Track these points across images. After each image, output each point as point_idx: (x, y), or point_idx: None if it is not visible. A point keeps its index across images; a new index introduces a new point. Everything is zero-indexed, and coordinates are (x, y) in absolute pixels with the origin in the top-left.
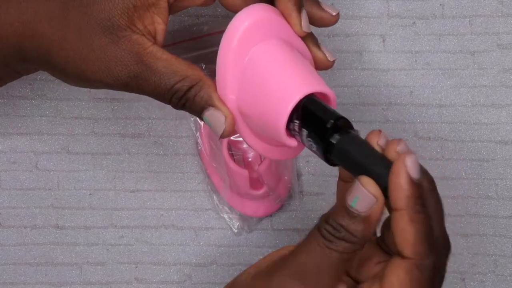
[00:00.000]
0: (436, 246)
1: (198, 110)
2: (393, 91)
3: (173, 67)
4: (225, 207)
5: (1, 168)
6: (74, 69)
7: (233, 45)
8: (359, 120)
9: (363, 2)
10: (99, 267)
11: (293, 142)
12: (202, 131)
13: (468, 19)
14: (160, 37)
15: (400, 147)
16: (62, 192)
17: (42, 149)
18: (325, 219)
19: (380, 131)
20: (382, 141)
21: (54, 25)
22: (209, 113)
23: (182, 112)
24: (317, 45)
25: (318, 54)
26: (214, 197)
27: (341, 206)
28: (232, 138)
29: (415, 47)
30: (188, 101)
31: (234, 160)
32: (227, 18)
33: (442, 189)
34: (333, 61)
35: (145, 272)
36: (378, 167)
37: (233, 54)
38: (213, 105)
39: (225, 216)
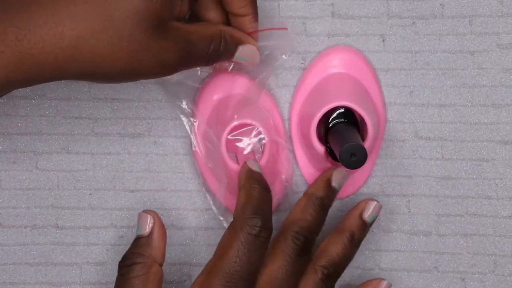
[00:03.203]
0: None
1: (232, 53)
2: (393, 91)
3: (202, 33)
4: (221, 209)
5: (1, 168)
6: (125, 73)
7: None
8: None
9: (363, 2)
10: (99, 267)
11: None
12: (196, 131)
13: (468, 19)
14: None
15: None
16: (62, 192)
17: (42, 149)
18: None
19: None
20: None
21: (103, 39)
22: (241, 49)
23: (182, 111)
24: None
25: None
26: (208, 198)
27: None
28: (228, 137)
29: (415, 47)
30: (222, 54)
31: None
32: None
33: (442, 189)
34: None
35: None
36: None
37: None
38: (243, 42)
39: (221, 217)
